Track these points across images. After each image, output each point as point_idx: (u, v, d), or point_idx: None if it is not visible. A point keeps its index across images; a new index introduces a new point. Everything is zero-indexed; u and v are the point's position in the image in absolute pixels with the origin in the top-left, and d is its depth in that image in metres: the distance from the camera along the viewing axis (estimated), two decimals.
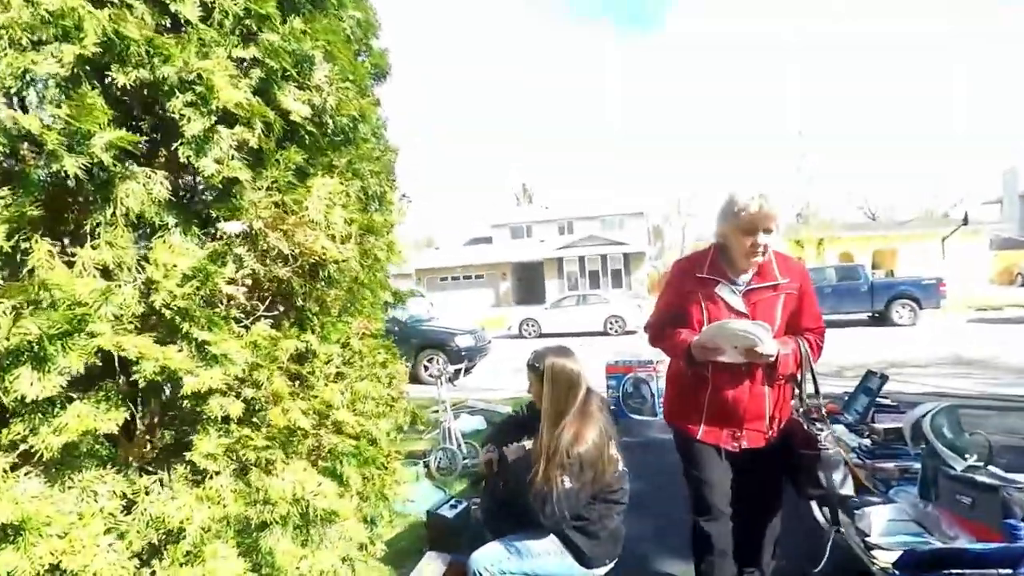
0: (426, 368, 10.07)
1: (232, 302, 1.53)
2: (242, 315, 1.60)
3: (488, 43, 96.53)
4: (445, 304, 27.75)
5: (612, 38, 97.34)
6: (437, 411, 4.75)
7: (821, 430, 1.99)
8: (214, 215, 1.53)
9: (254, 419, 1.57)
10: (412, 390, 8.49)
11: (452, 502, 3.15)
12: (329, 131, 1.74)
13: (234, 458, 1.50)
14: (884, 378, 2.94)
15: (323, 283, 1.70)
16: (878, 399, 2.96)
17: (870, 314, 15.08)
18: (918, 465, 2.17)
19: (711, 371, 2.08)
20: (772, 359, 1.97)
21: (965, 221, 21.55)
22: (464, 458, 4.51)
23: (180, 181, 1.53)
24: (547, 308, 17.60)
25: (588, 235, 30.91)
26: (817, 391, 2.08)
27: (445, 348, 10.16)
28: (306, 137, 1.68)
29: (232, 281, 1.47)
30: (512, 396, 8.04)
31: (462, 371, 5.17)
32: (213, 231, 1.51)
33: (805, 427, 2.03)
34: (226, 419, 1.46)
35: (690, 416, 2.18)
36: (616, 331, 15.91)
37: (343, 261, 1.65)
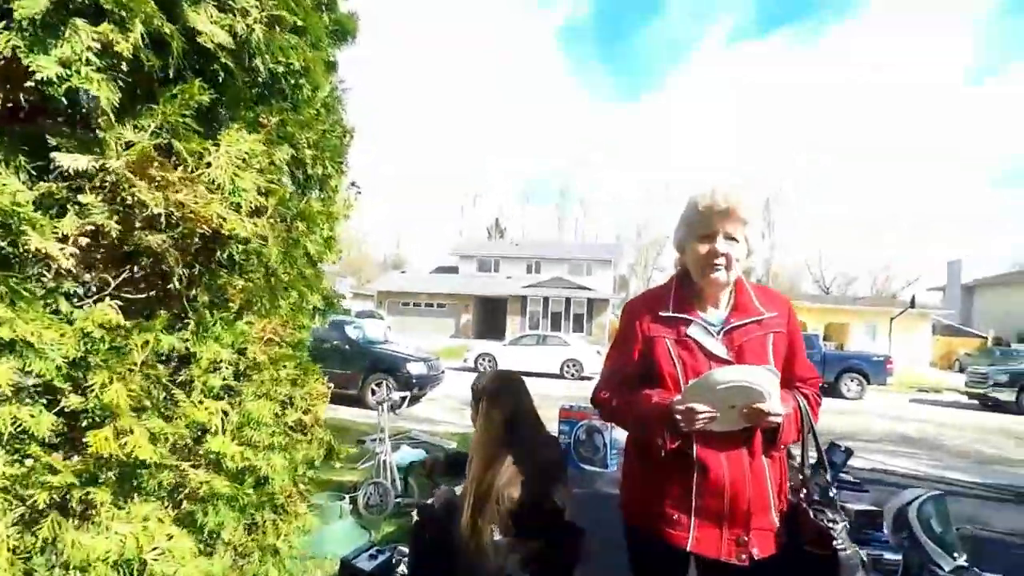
0: (373, 392, 9.60)
1: (61, 270, 1.14)
2: (86, 291, 1.24)
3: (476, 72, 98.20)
4: (403, 329, 27.18)
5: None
6: (374, 439, 4.39)
7: (834, 521, 1.47)
8: (54, 143, 1.12)
9: (79, 441, 1.15)
10: (355, 415, 8.04)
11: (373, 550, 2.80)
12: (260, 79, 1.43)
13: (21, 497, 1.07)
14: (849, 452, 2.78)
15: (222, 267, 1.39)
16: (840, 474, 2.81)
17: (823, 384, 15.29)
18: (891, 555, 1.98)
19: (696, 446, 1.49)
20: (778, 421, 1.44)
21: (912, 304, 22.43)
22: (398, 496, 4.15)
23: (15, 94, 1.12)
24: (505, 344, 17.31)
25: (555, 276, 31.01)
26: (823, 464, 1.56)
27: (395, 373, 9.74)
28: (222, 75, 1.35)
29: (65, 240, 1.11)
30: (461, 431, 7.67)
31: (406, 399, 4.84)
32: (53, 168, 1.12)
33: (812, 516, 1.49)
34: (22, 436, 1.07)
35: (669, 516, 1.51)
36: (572, 375, 15.70)
37: (251, 242, 1.33)
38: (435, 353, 11.84)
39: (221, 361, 1.44)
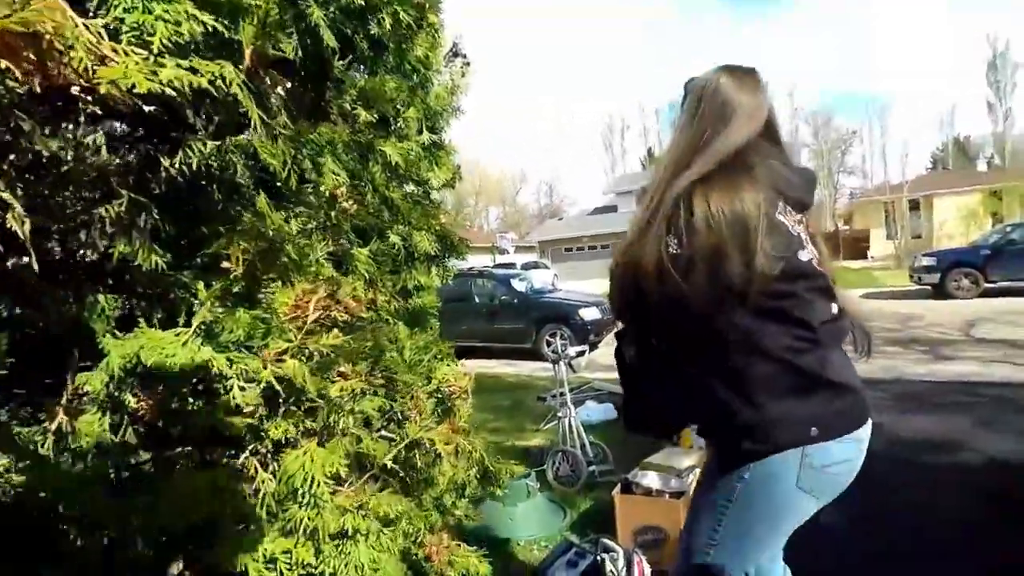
0: (548, 344, 9.24)
1: None
2: None
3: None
4: (570, 275, 26.86)
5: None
6: (555, 395, 3.84)
7: None
8: None
9: None
10: (533, 368, 7.70)
11: (572, 554, 2.22)
12: None
13: None
14: None
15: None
16: None
17: None
18: None
19: None
20: None
21: None
22: (590, 463, 3.58)
23: None
24: None
25: None
26: None
27: (568, 321, 9.26)
28: None
29: None
30: None
31: (586, 352, 4.23)
32: None
33: None
34: None
35: None
36: None
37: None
38: (605, 295, 11.12)
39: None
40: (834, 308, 1.24)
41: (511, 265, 23.08)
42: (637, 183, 34.89)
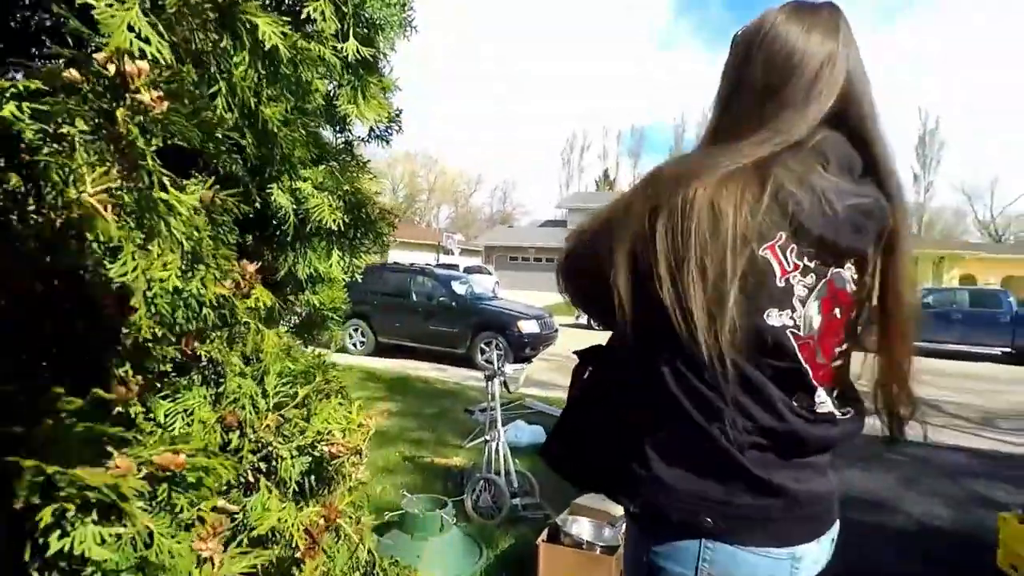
0: (483, 352, 8.90)
1: None
2: None
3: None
4: (512, 285, 26.65)
5: None
6: (484, 409, 3.47)
7: None
8: None
9: None
10: (464, 376, 7.33)
11: None
12: None
13: None
14: None
15: None
16: None
17: (1008, 349, 12.67)
18: None
19: None
20: None
21: None
22: (515, 495, 3.25)
23: None
24: None
25: None
26: None
27: (506, 332, 8.95)
28: None
29: None
30: None
31: (524, 370, 3.91)
32: None
33: None
34: None
35: None
36: None
37: None
38: (548, 309, 10.90)
39: None
40: (805, 401, 0.86)
41: (454, 266, 22.64)
42: (589, 203, 35.26)
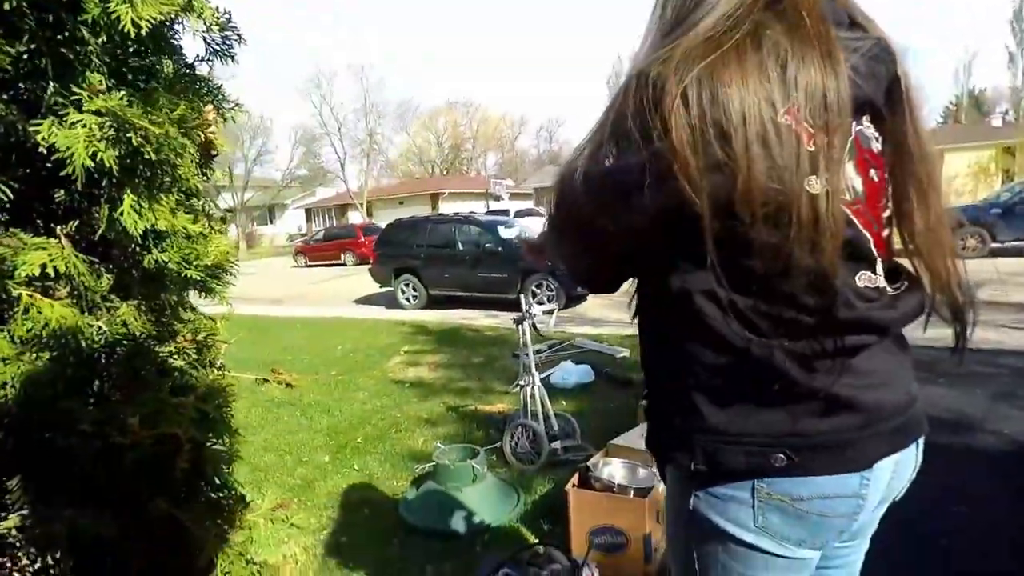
0: (533, 295, 8.76)
1: None
2: None
3: None
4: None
5: None
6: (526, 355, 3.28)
7: None
8: None
9: None
10: (512, 322, 7.22)
11: (507, 570, 1.73)
12: None
13: None
14: None
15: None
16: None
17: None
18: None
19: None
20: None
21: None
22: (554, 438, 3.12)
23: None
24: None
25: None
26: None
27: (555, 273, 8.72)
28: None
29: None
30: (633, 332, 6.48)
31: (555, 312, 3.71)
32: None
33: None
34: None
35: None
36: None
37: None
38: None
39: None
40: (868, 279, 0.72)
41: (505, 212, 22.39)
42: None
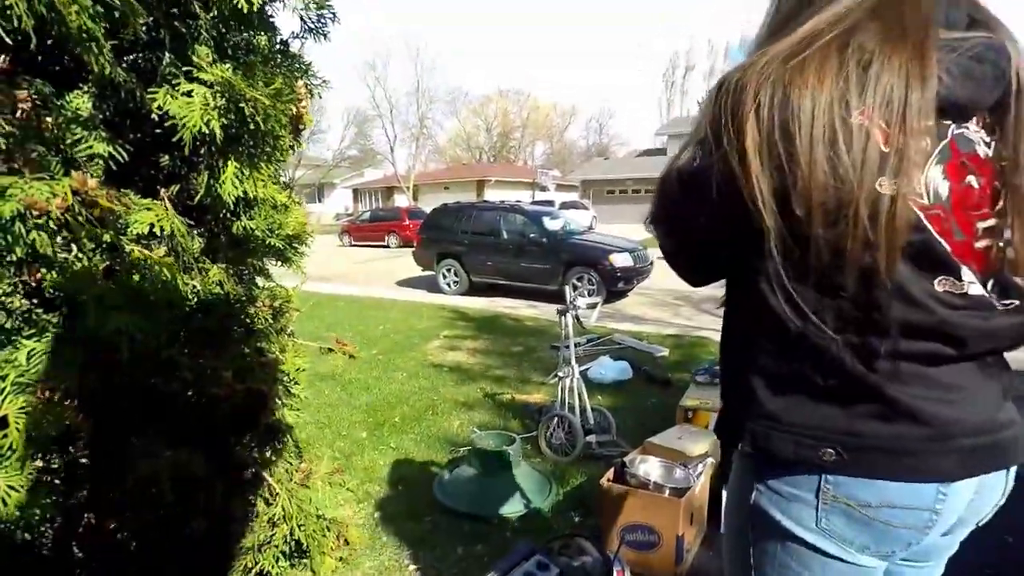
0: (574, 288, 8.72)
1: None
2: None
3: None
4: (611, 218, 25.91)
5: None
6: (567, 347, 3.27)
7: None
8: None
9: None
10: (552, 313, 7.23)
11: (533, 563, 1.76)
12: None
13: None
14: None
15: None
16: None
17: None
18: None
19: None
20: None
21: None
22: (589, 432, 3.13)
23: None
24: None
25: None
26: None
27: (597, 266, 8.67)
28: None
29: None
30: (674, 331, 6.40)
31: (599, 304, 3.70)
32: None
33: None
34: None
35: None
36: None
37: None
38: (642, 242, 10.42)
39: None
40: (950, 284, 0.70)
41: (550, 203, 22.31)
42: (690, 127, 32.82)
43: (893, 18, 0.68)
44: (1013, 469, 0.78)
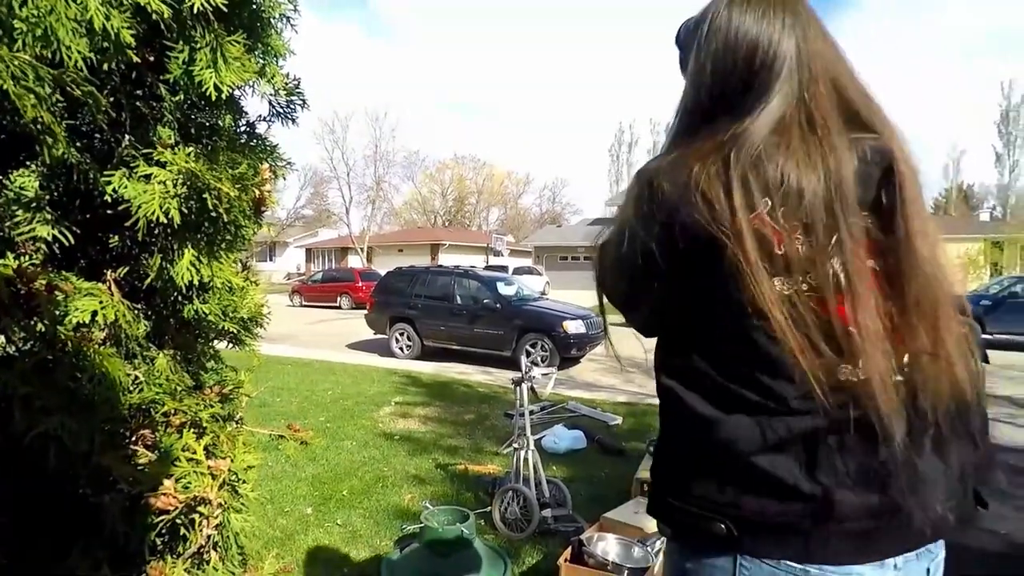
0: (528, 354, 8.74)
1: None
2: None
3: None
4: (562, 285, 26.41)
5: None
6: (522, 415, 3.23)
7: None
8: None
9: None
10: (506, 379, 7.19)
11: None
12: None
13: None
14: None
15: None
16: None
17: None
18: None
19: None
20: None
21: None
22: (545, 506, 3.07)
23: None
24: None
25: None
26: None
27: (551, 333, 8.75)
28: None
29: None
30: (626, 399, 6.45)
31: (553, 374, 3.72)
32: None
33: None
34: None
35: None
36: None
37: None
38: (594, 309, 10.63)
39: None
40: (849, 372, 0.72)
41: (504, 268, 22.62)
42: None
43: (809, 122, 0.76)
44: (930, 560, 0.81)
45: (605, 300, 0.94)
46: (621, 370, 8.54)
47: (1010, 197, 40.08)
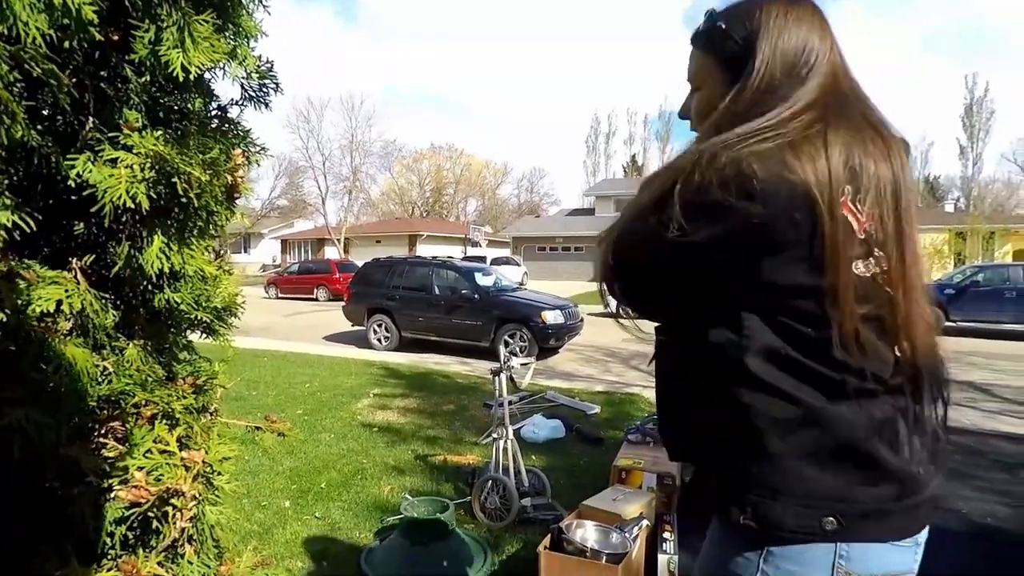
0: (506, 344, 8.76)
1: None
2: None
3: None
4: (541, 275, 26.50)
5: None
6: (502, 404, 3.23)
7: None
8: None
9: None
10: (486, 371, 7.19)
11: None
12: None
13: None
14: None
15: None
16: None
17: None
18: None
19: None
20: None
21: None
22: (524, 495, 3.08)
23: None
24: None
25: None
26: None
27: (529, 323, 8.77)
28: None
29: None
30: (604, 388, 6.51)
31: (532, 364, 3.73)
32: None
33: None
34: None
35: None
36: None
37: None
38: (573, 299, 10.67)
39: None
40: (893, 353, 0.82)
41: (482, 259, 22.58)
42: (617, 189, 34.63)
43: (854, 111, 0.82)
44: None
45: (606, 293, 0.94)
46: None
47: (973, 189, 41.30)
